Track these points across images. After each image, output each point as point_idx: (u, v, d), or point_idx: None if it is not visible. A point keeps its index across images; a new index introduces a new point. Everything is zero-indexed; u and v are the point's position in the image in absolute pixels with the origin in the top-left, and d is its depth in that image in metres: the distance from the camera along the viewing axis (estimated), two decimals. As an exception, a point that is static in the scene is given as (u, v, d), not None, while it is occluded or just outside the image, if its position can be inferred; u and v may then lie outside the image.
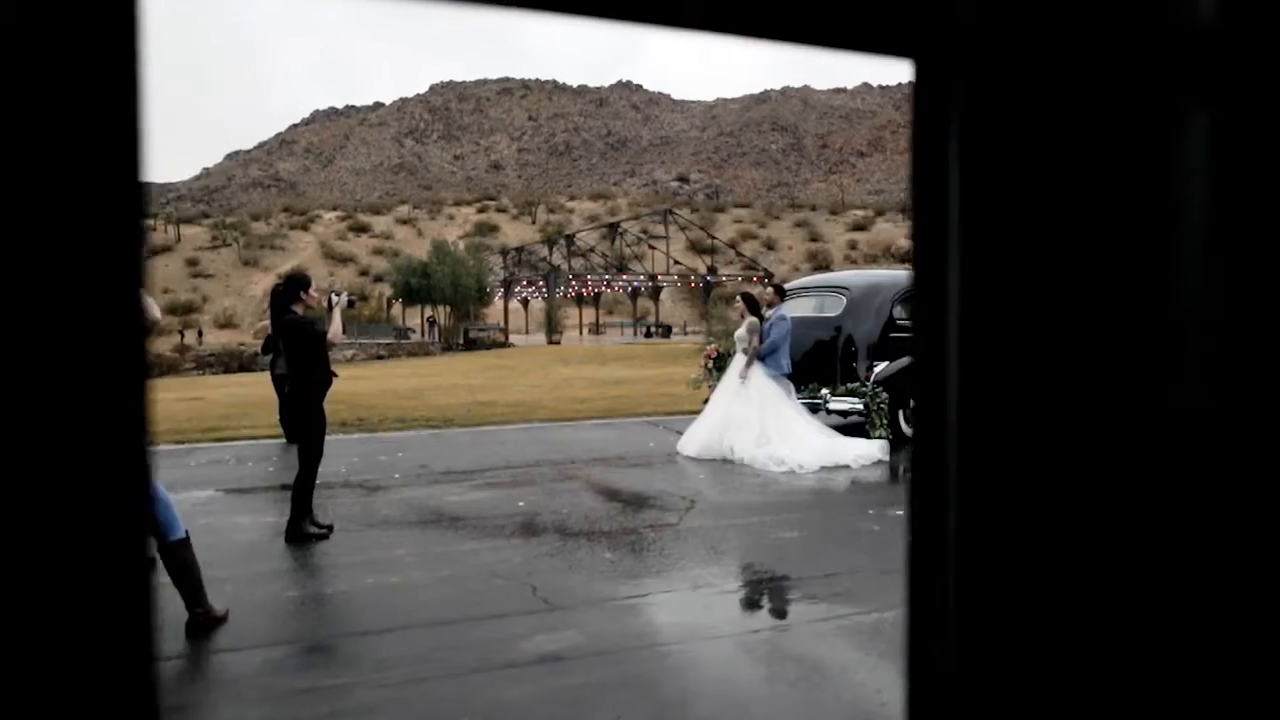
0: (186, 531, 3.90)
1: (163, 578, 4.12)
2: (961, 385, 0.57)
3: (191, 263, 76.30)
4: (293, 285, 5.67)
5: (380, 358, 33.41)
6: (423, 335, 42.70)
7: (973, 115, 0.57)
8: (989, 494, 0.58)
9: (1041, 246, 0.57)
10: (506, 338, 40.87)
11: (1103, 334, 0.56)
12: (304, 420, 5.63)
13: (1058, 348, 0.56)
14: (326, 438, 5.75)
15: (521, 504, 6.55)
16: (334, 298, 5.93)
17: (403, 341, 38.05)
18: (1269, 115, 0.54)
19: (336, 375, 5.91)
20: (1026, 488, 0.57)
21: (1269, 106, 0.55)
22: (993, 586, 0.57)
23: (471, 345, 37.73)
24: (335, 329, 5.72)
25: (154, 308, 3.55)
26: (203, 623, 3.86)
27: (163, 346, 40.45)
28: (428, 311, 44.37)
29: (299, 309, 5.64)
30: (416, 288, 41.57)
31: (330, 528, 5.76)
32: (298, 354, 5.59)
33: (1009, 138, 0.57)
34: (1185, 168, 0.56)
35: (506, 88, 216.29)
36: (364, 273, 74.78)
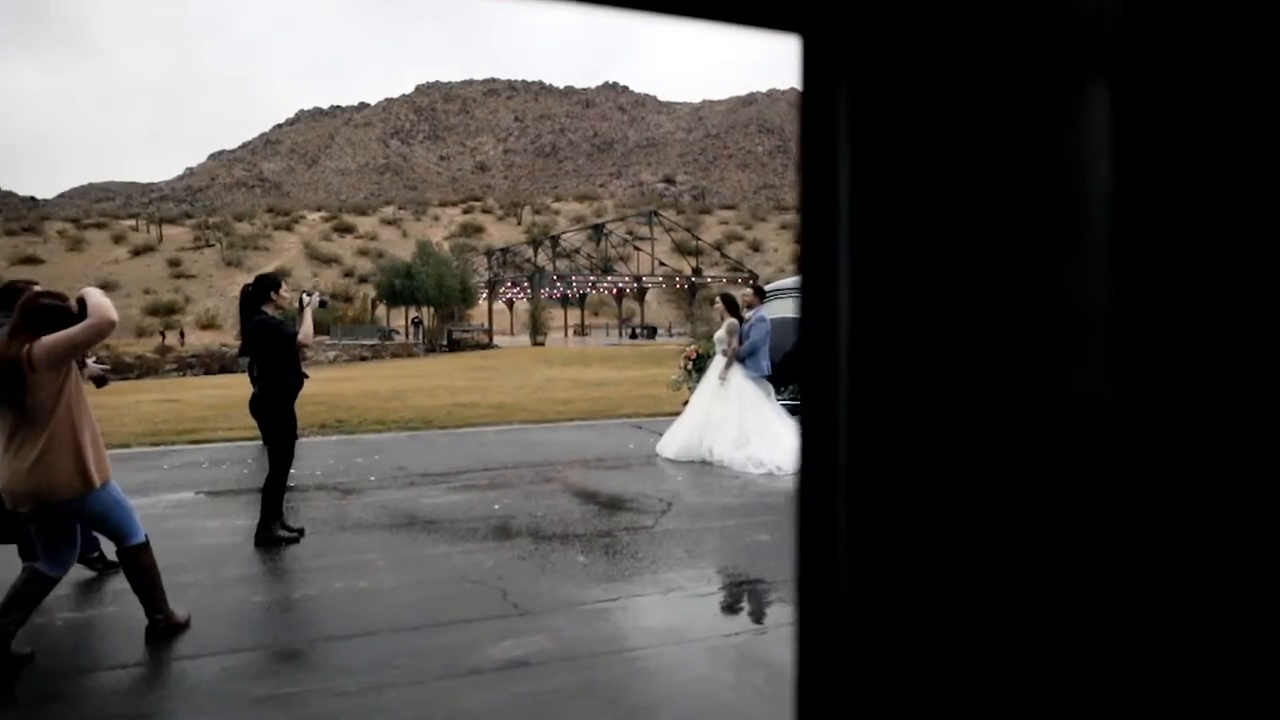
0: (146, 536, 3.82)
1: (123, 583, 4.04)
2: (851, 376, 0.53)
3: (174, 263, 75.67)
4: (263, 286, 5.59)
5: (363, 359, 33.21)
6: (407, 336, 42.49)
7: (863, 97, 0.53)
8: (879, 484, 0.53)
9: (935, 235, 0.53)
10: (491, 339, 40.71)
11: (998, 325, 0.52)
12: (274, 422, 5.55)
13: (951, 339, 0.52)
14: (302, 439, 5.68)
15: (497, 507, 6.49)
16: (305, 298, 5.85)
17: (386, 343, 37.83)
18: (1170, 95, 0.50)
19: (307, 377, 5.84)
20: (917, 478, 0.53)
21: (1170, 86, 0.51)
22: (884, 583, 0.53)
23: (455, 346, 37.56)
24: (306, 330, 5.64)
25: (109, 308, 3.48)
26: (163, 629, 3.78)
27: (144, 348, 40.08)
28: (412, 313, 44.17)
29: (270, 310, 5.56)
30: (400, 289, 41.36)
31: (301, 531, 5.68)
32: (268, 355, 5.51)
33: (901, 121, 0.53)
34: (1085, 150, 0.52)
35: (493, 88, 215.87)
36: (348, 274, 74.37)
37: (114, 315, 3.48)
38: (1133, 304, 0.47)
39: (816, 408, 0.54)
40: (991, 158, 0.51)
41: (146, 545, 3.80)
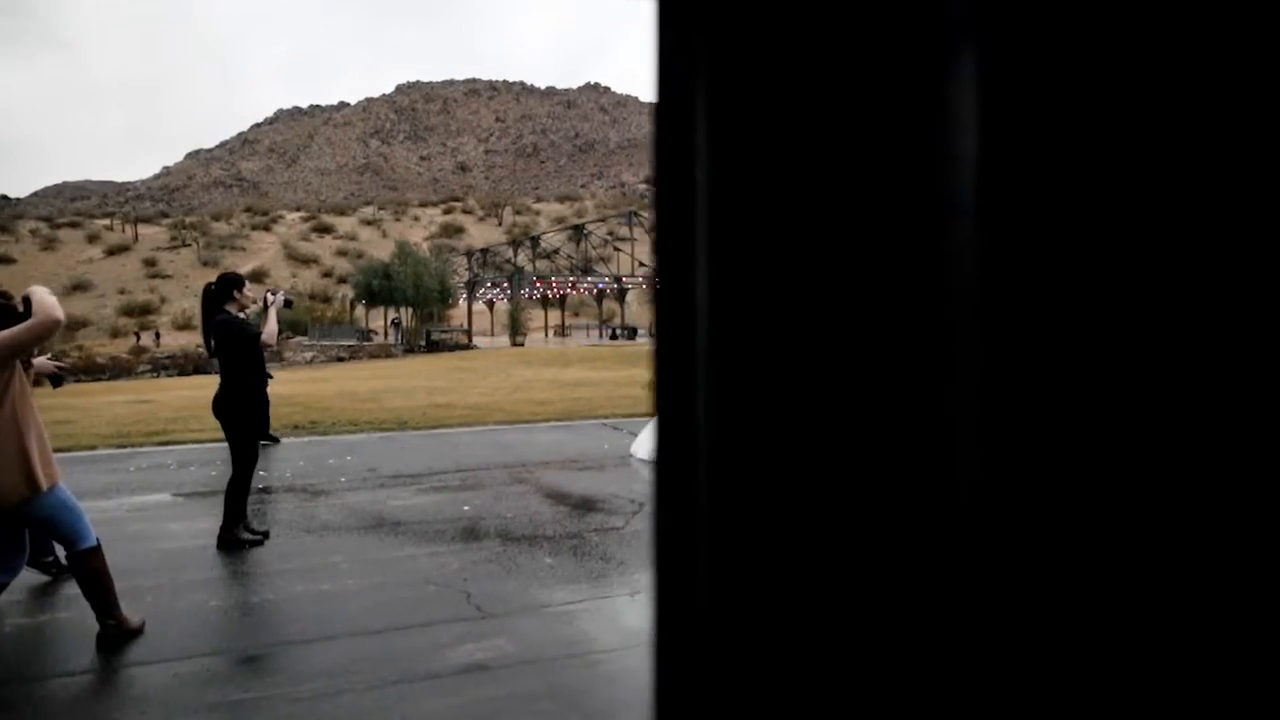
0: (98, 540, 3.73)
1: (76, 588, 3.95)
2: (710, 373, 0.49)
3: (149, 263, 74.83)
4: (225, 284, 5.50)
5: (340, 360, 32.95)
6: (386, 337, 42.21)
7: (722, 65, 0.49)
8: (740, 485, 0.49)
9: (794, 225, 0.49)
10: (470, 339, 40.52)
11: (863, 319, 0.48)
12: (237, 423, 5.45)
13: (813, 331, 0.48)
14: (284, 441, 5.59)
15: (467, 508, 6.43)
16: (270, 297, 5.77)
17: (364, 344, 37.56)
18: (1054, 65, 0.46)
19: (271, 377, 5.75)
20: (777, 469, 0.49)
21: (1053, 56, 0.47)
22: (743, 583, 0.49)
23: (434, 347, 37.35)
24: (270, 329, 5.56)
25: (54, 307, 3.39)
26: (115, 635, 3.69)
27: (117, 348, 39.57)
28: (391, 314, 43.87)
29: (233, 309, 5.47)
30: (378, 289, 41.07)
31: (265, 534, 5.59)
32: (231, 355, 5.42)
33: (764, 96, 0.49)
34: (954, 136, 0.48)
35: (474, 89, 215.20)
36: (327, 274, 73.85)
37: (59, 314, 3.39)
38: (1002, 296, 0.44)
39: (675, 397, 0.50)
40: (856, 146, 0.47)
41: (98, 549, 3.71)
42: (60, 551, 4.20)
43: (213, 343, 5.53)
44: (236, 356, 5.40)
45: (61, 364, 4.56)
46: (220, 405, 5.48)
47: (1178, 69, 0.42)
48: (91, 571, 3.68)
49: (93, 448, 10.24)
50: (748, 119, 0.49)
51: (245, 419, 5.46)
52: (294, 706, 3.09)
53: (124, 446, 10.33)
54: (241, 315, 5.67)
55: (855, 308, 0.48)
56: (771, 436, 0.48)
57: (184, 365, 30.49)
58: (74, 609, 4.11)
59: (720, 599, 0.50)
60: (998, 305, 0.46)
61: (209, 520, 6.00)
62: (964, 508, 0.46)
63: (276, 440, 9.80)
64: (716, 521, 0.50)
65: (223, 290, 5.48)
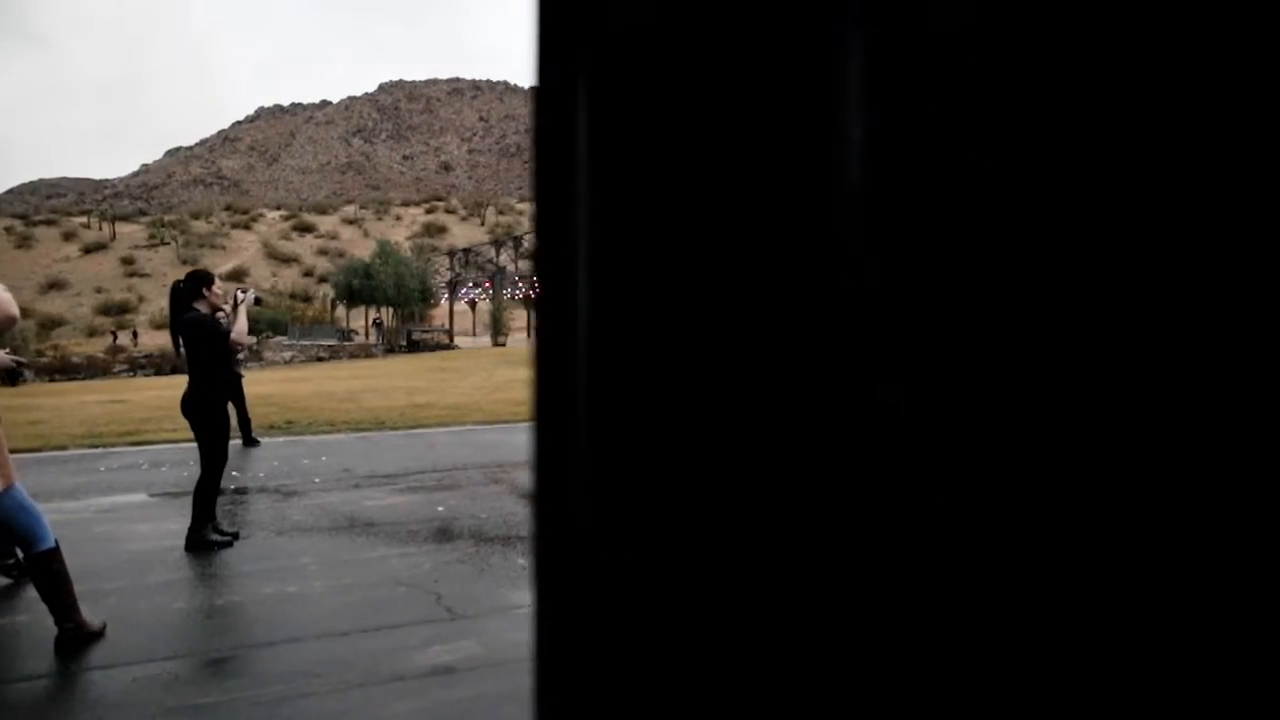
0: (56, 541, 3.66)
1: (32, 591, 3.87)
2: (590, 370, 0.46)
3: (127, 261, 74.01)
4: (194, 281, 5.42)
5: (320, 359, 32.71)
6: (367, 337, 41.95)
7: (603, 57, 0.46)
8: (618, 485, 0.47)
9: (678, 220, 0.46)
10: (451, 339, 40.32)
11: (752, 317, 0.45)
12: (206, 423, 5.37)
13: (697, 330, 0.45)
14: (265, 442, 5.52)
15: (441, 509, 6.37)
16: (240, 295, 5.70)
17: (345, 343, 37.30)
18: (935, 54, 0.44)
19: (241, 376, 5.68)
20: (661, 475, 0.46)
21: (934, 46, 0.44)
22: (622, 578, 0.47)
23: (415, 347, 37.15)
24: (240, 328, 5.49)
25: (8, 304, 3.32)
26: (73, 638, 3.62)
27: (94, 348, 39.10)
28: (373, 313, 43.59)
29: (202, 306, 5.39)
30: (358, 289, 40.79)
31: (235, 535, 5.52)
32: (199, 354, 5.34)
33: (644, 89, 0.46)
34: (842, 126, 0.45)
35: (457, 88, 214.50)
36: (308, 273, 73.31)
37: (14, 311, 3.32)
38: (889, 288, 0.42)
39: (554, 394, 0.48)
40: (741, 137, 0.45)
41: (56, 550, 3.64)
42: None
43: (181, 342, 5.45)
44: (205, 356, 5.32)
45: (20, 359, 4.47)
46: (189, 405, 5.40)
47: (1048, 58, 0.40)
48: (49, 573, 3.61)
49: (63, 448, 10.09)
50: (631, 102, 0.46)
51: (214, 419, 5.39)
52: (255, 710, 3.04)
53: (96, 446, 10.19)
54: (221, 314, 5.60)
55: (742, 290, 0.45)
56: (651, 400, 0.46)
57: (161, 365, 30.14)
58: (33, 612, 4.03)
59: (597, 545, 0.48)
60: (884, 287, 0.43)
61: (178, 521, 5.91)
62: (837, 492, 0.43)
63: (257, 443, 9.69)
64: (594, 519, 0.47)
65: (192, 288, 5.40)
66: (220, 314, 5.59)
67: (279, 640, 3.72)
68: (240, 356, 10.84)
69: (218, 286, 5.49)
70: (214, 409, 5.38)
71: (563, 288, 0.48)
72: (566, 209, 0.48)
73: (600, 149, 0.47)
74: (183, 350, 5.44)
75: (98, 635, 3.72)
